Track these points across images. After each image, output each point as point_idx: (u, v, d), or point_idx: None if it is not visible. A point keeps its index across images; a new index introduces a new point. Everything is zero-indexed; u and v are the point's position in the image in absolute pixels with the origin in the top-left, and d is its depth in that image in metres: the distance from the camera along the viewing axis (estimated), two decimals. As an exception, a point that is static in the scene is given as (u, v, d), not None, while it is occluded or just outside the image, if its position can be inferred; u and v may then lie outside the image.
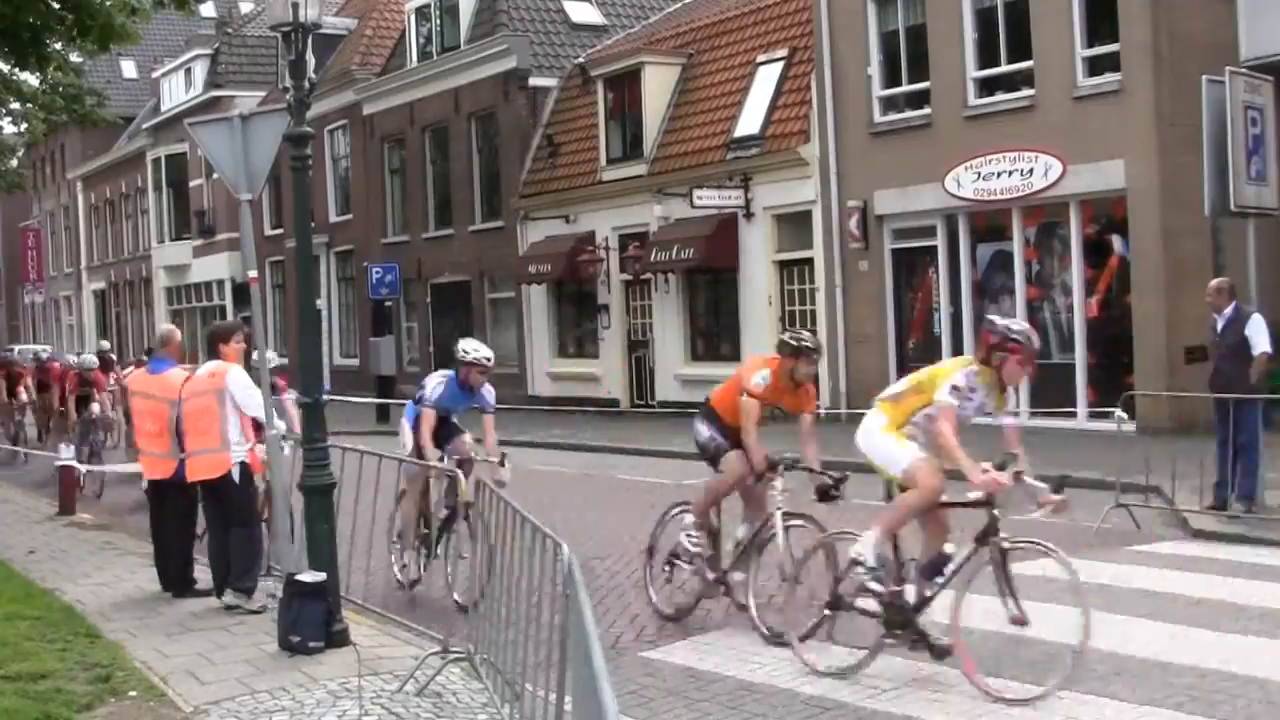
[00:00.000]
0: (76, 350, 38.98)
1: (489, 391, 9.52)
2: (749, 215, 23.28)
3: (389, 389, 27.09)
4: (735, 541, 8.30)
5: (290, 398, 10.62)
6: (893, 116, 21.01)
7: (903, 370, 21.16)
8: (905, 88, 20.91)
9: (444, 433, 9.61)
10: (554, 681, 5.15)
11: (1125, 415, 12.25)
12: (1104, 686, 6.54)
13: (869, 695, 6.68)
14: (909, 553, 7.02)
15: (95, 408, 18.41)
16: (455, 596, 8.71)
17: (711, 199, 23.23)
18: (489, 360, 9.39)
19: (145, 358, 14.19)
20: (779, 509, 7.87)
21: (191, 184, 43.35)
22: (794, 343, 8.13)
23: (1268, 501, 11.32)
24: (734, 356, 23.47)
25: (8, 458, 21.66)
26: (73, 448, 15.16)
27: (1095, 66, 18.14)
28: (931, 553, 6.94)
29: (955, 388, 6.78)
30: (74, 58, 19.75)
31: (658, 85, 25.48)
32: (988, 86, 19.61)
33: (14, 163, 31.98)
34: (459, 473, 8.99)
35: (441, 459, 9.30)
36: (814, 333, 11.74)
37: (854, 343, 21.49)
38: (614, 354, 26.80)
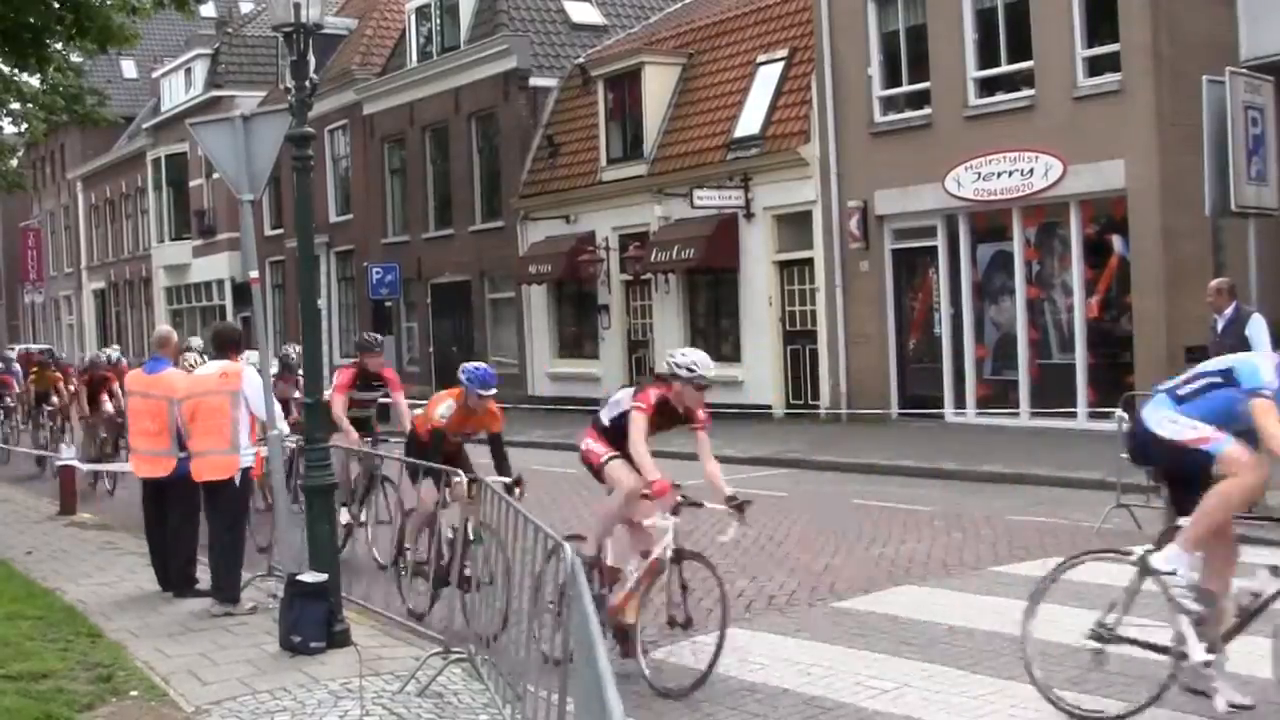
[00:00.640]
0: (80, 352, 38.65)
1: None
2: (749, 215, 23.28)
3: (388, 389, 26.99)
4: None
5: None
6: (893, 116, 21.01)
7: (903, 370, 21.25)
8: (905, 88, 20.91)
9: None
10: (555, 682, 5.15)
11: (1125, 415, 12.23)
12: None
13: (869, 695, 6.69)
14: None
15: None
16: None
17: (712, 199, 23.22)
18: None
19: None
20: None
21: (191, 184, 43.34)
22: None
23: (1268, 501, 11.31)
24: (734, 357, 23.50)
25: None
26: (74, 448, 15.12)
27: (1095, 66, 18.14)
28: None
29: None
30: (74, 58, 19.74)
31: (658, 85, 25.48)
32: (988, 87, 19.61)
33: (14, 163, 31.85)
34: (460, 474, 8.96)
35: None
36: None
37: (854, 343, 21.47)
38: (614, 354, 26.78)
